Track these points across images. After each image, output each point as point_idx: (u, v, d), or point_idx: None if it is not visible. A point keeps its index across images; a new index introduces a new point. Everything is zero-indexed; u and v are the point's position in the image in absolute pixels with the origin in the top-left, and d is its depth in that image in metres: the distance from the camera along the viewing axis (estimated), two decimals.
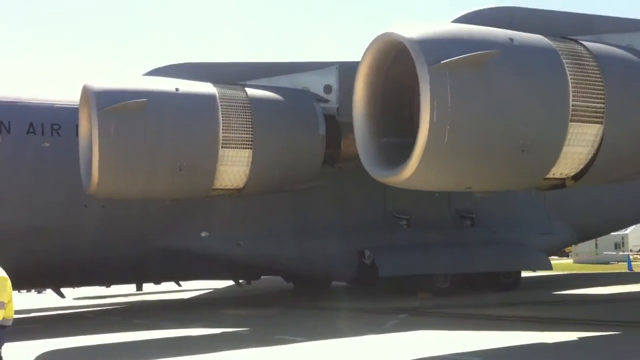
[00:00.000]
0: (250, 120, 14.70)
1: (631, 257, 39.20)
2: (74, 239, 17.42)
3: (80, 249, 17.58)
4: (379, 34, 10.97)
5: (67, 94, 18.05)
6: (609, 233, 30.26)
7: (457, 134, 9.81)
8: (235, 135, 14.55)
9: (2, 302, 5.24)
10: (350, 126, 16.38)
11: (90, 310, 21.81)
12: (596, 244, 44.51)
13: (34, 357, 11.70)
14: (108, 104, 13.52)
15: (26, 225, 16.99)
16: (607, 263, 42.10)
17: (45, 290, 30.73)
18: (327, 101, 16.28)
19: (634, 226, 41.60)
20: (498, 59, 10.18)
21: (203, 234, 18.68)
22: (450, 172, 10.30)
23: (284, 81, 16.12)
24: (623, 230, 41.22)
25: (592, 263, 41.61)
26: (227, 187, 15.07)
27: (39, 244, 17.14)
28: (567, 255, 48.40)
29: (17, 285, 20.44)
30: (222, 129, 14.36)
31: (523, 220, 22.08)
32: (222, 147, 14.38)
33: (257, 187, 15.30)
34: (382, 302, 18.35)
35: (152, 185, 14.18)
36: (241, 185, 15.10)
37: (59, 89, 18.42)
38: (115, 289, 25.39)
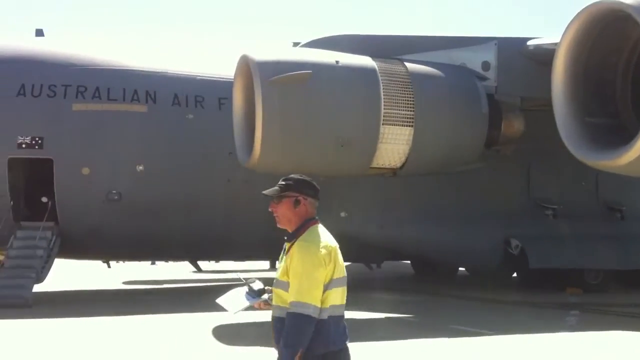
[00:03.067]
0: (411, 96, 13.88)
1: None
2: (215, 213, 17.15)
3: (220, 224, 17.32)
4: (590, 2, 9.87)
5: (210, 66, 17.77)
6: None
7: None
8: (396, 111, 13.78)
9: (344, 277, 3.93)
10: (509, 106, 15.48)
11: (222, 285, 21.70)
12: None
13: (212, 329, 11.41)
14: (272, 74, 12.97)
15: (168, 198, 16.84)
16: None
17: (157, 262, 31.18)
18: (485, 79, 15.26)
19: None
20: None
21: (342, 214, 18.02)
22: None
23: (440, 56, 15.17)
24: None
25: None
26: (384, 167, 14.33)
27: (180, 216, 16.99)
28: None
29: (152, 256, 20.98)
30: (384, 105, 13.62)
31: None
32: (383, 124, 13.65)
33: (415, 168, 14.48)
34: (531, 295, 17.22)
35: (312, 161, 13.58)
36: (398, 165, 14.32)
37: (200, 60, 18.04)
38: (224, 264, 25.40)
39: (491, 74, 15.15)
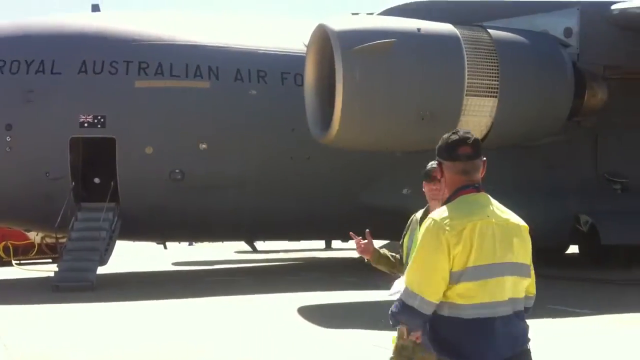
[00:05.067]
0: (496, 65, 13.26)
1: None
2: (277, 191, 16.68)
3: (281, 202, 16.84)
4: None
5: (271, 39, 17.21)
6: None
7: None
8: (480, 81, 13.17)
9: (528, 265, 3.02)
10: (592, 74, 14.83)
11: (277, 265, 21.37)
12: None
13: (297, 309, 11.10)
14: (353, 44, 12.39)
15: (231, 176, 16.39)
16: None
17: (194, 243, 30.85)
18: (567, 46, 14.60)
19: None
20: None
21: (405, 191, 17.44)
22: None
23: (521, 23, 14.53)
24: None
25: None
26: None
27: (243, 195, 16.55)
28: None
29: (211, 236, 20.57)
30: (468, 75, 13.01)
31: None
32: (466, 95, 13.05)
33: (497, 141, 13.87)
34: (601, 272, 16.63)
35: (392, 135, 13.08)
36: (479, 137, 13.69)
37: (261, 34, 17.44)
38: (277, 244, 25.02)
39: (573, 41, 14.52)
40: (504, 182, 17.60)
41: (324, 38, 13.06)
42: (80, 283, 14.30)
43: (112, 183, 15.77)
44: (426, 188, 4.24)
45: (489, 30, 13.62)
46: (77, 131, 15.59)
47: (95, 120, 15.55)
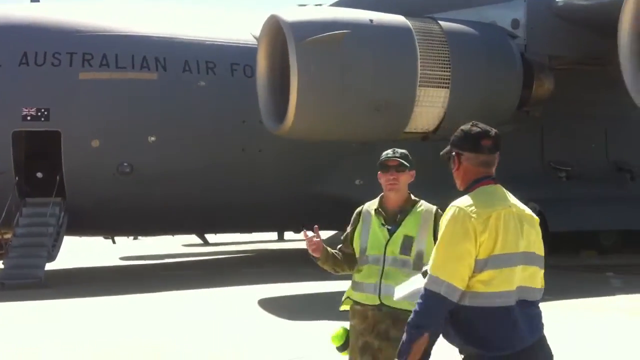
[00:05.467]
0: (447, 56, 13.37)
1: None
2: (229, 183, 16.49)
3: (233, 194, 16.66)
4: None
5: (220, 30, 16.96)
6: None
7: None
8: (432, 72, 13.26)
9: (542, 256, 3.03)
10: (539, 65, 15.12)
11: (230, 257, 21.17)
12: None
13: (257, 301, 11.06)
14: (306, 36, 12.29)
15: (181, 169, 16.12)
16: None
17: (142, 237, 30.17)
18: (515, 37, 14.84)
19: None
20: None
21: (357, 182, 17.50)
22: None
23: (470, 14, 14.68)
24: None
25: None
26: (417, 131, 13.83)
27: (194, 188, 16.30)
28: None
29: (162, 230, 20.17)
30: (420, 66, 13.08)
31: None
32: (419, 86, 13.13)
33: (449, 131, 13.95)
34: (550, 259, 16.99)
35: (347, 126, 13.06)
36: (431, 128, 13.84)
37: (210, 24, 17.19)
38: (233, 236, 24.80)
39: (520, 32, 14.75)
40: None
41: (276, 29, 12.92)
42: (27, 280, 13.90)
43: (57, 177, 15.30)
44: (382, 179, 4.17)
45: (440, 22, 13.73)
46: (20, 125, 15.06)
47: (39, 113, 15.04)
